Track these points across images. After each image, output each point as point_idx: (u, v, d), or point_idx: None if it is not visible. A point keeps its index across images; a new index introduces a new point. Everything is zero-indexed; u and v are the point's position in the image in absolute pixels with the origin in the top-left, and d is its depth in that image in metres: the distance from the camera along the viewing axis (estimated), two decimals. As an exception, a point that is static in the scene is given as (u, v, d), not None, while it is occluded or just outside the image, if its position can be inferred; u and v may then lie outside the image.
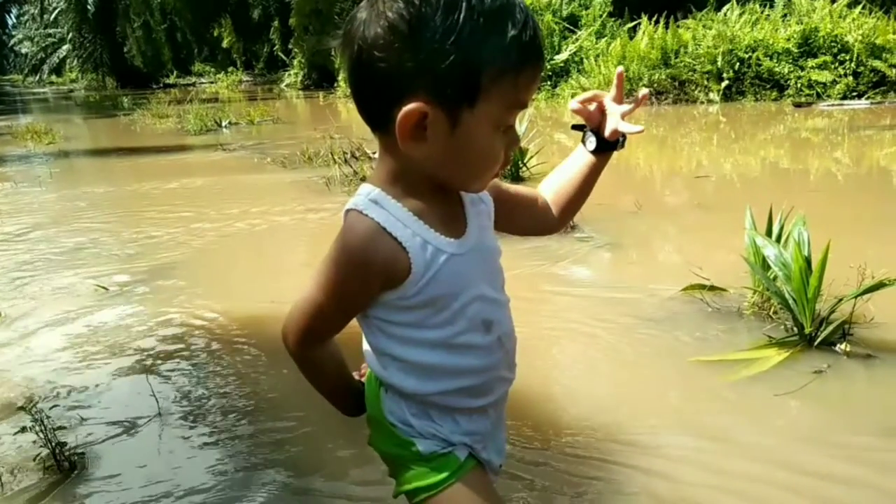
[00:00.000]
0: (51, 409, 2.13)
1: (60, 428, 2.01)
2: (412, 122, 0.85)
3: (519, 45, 0.84)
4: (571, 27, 13.27)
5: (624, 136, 1.10)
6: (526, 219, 1.17)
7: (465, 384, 1.01)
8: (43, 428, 1.93)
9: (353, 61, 0.88)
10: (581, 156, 1.15)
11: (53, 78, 44.45)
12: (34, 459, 1.95)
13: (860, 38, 10.16)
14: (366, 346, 1.05)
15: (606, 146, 1.13)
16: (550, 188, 1.18)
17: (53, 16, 37.22)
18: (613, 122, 1.10)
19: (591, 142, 1.13)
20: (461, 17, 0.81)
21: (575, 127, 1.19)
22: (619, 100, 1.11)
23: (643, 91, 1.12)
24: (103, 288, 3.47)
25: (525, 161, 5.55)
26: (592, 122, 1.13)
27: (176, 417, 2.21)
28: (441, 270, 0.93)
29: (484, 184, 0.98)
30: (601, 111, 1.12)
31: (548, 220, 1.17)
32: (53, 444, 1.94)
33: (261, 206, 5.19)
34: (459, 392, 1.01)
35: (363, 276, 0.92)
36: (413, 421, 1.02)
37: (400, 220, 0.91)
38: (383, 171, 0.94)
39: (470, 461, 1.04)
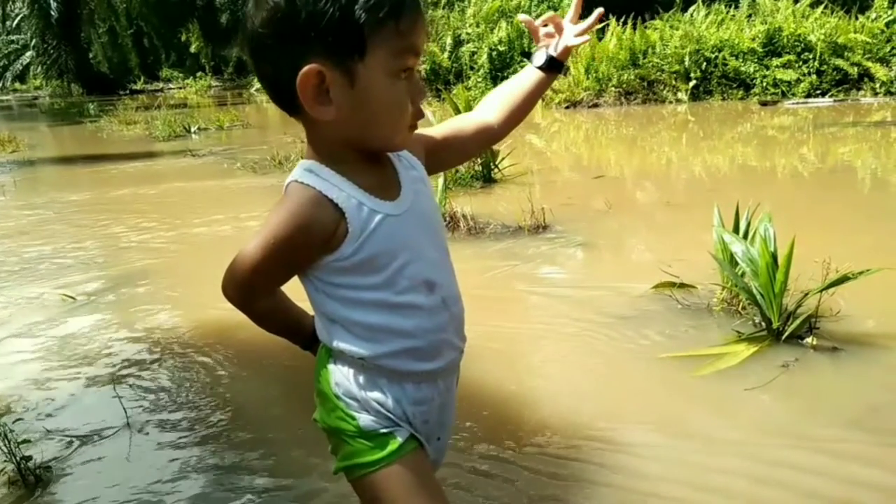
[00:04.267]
0: (14, 422, 2.08)
1: (25, 441, 1.97)
2: (312, 85, 0.90)
3: None
4: (541, 29, 13.35)
5: (566, 65, 1.24)
6: (465, 148, 1.26)
7: (411, 345, 1.03)
8: (7, 442, 1.89)
9: (252, 51, 0.95)
10: (529, 73, 1.26)
11: (17, 85, 43.58)
12: (-2, 475, 1.91)
13: (823, 37, 10.36)
14: (314, 315, 1.08)
15: (554, 65, 1.24)
16: (494, 101, 1.27)
17: (16, 22, 36.51)
18: (565, 40, 1.22)
19: (540, 56, 1.24)
20: None
21: (524, 54, 1.28)
22: (575, 20, 1.23)
23: (598, 10, 1.24)
24: (70, 297, 3.41)
25: (497, 163, 5.55)
26: (547, 42, 1.25)
27: (144, 427, 2.18)
28: (377, 230, 0.98)
29: (402, 137, 1.01)
30: (558, 31, 1.23)
31: (487, 135, 1.25)
32: (18, 458, 1.89)
33: (231, 212, 5.13)
34: (407, 353, 1.03)
35: (304, 240, 0.96)
36: (359, 393, 1.03)
37: (335, 185, 0.96)
38: (313, 149, 1.00)
39: (410, 443, 1.05)
